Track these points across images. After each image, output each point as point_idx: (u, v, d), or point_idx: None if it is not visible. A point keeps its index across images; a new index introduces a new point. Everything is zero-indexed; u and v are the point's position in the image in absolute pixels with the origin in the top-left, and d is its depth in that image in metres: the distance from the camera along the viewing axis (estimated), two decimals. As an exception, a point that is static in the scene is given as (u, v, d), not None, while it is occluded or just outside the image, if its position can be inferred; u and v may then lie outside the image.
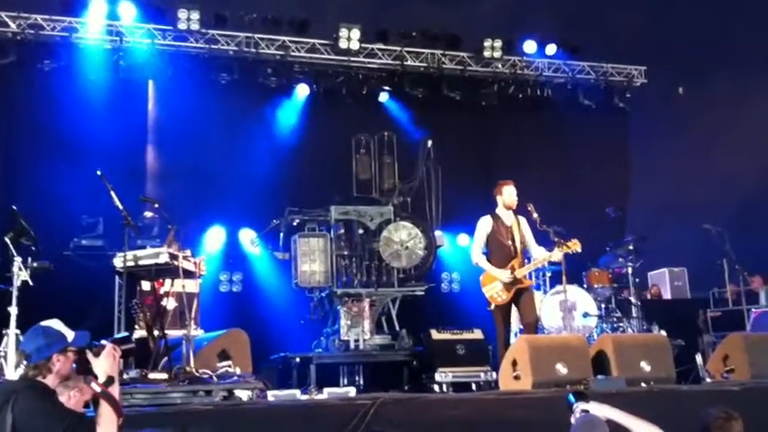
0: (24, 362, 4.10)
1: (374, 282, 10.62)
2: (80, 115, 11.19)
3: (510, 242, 8.35)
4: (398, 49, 13.39)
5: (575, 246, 8.23)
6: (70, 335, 4.18)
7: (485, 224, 8.47)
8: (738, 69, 13.27)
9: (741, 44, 13.35)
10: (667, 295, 12.99)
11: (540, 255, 8.37)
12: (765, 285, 11.48)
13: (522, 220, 8.52)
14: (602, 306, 10.60)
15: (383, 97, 13.45)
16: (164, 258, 7.00)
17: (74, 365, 4.16)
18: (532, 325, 8.24)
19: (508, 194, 8.47)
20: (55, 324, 4.21)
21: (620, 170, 14.40)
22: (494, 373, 9.06)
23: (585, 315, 10.18)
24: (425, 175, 11.36)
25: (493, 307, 8.28)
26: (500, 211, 8.51)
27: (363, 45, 13.07)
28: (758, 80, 13.15)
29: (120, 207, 7.08)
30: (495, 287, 8.23)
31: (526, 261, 8.52)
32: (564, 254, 8.21)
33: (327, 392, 6.82)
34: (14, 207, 8.17)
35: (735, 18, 13.26)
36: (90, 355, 4.10)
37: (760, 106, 13.20)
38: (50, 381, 4.07)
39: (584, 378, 7.00)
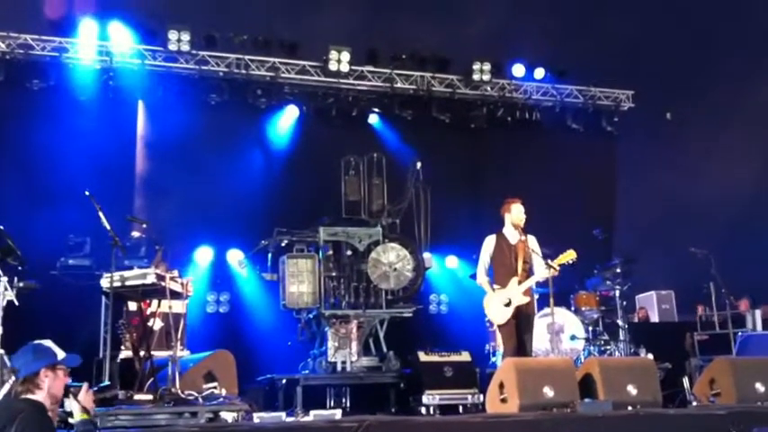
0: (12, 377, 4.12)
1: (362, 303, 10.58)
2: (69, 135, 11.18)
3: (513, 261, 8.37)
4: (388, 71, 13.46)
5: (569, 256, 8.26)
6: (61, 354, 4.22)
7: (488, 244, 8.55)
8: (725, 94, 13.39)
9: (727, 69, 13.49)
10: (655, 318, 13.03)
11: (540, 272, 8.37)
12: (751, 309, 11.52)
13: (531, 238, 8.53)
14: (590, 329, 10.61)
15: (373, 119, 13.53)
16: (151, 279, 7.01)
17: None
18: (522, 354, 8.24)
19: (516, 212, 8.51)
20: (46, 342, 4.25)
21: (607, 193, 14.47)
22: (481, 396, 9.05)
23: (573, 338, 10.19)
24: (414, 196, 11.35)
25: (494, 327, 8.32)
26: (507, 229, 8.55)
27: (353, 67, 13.14)
28: (745, 104, 13.27)
29: (108, 227, 7.08)
30: (494, 308, 8.30)
31: None
32: (561, 265, 8.24)
33: (314, 415, 6.79)
34: (1, 227, 8.13)
35: (721, 44, 13.39)
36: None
37: (747, 128, 13.32)
38: (43, 399, 4.07)
39: (570, 401, 6.99)
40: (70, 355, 4.34)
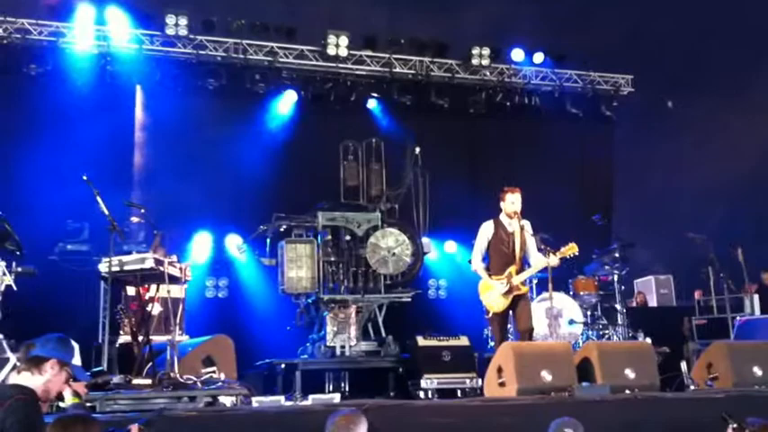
0: (23, 354, 4.15)
1: (361, 288, 10.59)
2: (66, 120, 11.16)
3: (510, 249, 8.31)
4: (387, 55, 13.40)
5: (572, 249, 8.24)
6: (76, 360, 4.30)
7: (486, 230, 8.45)
8: (725, 78, 13.38)
9: (727, 55, 13.46)
10: (653, 303, 13.06)
11: (538, 261, 8.35)
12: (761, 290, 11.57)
13: (527, 224, 8.46)
14: (588, 313, 10.64)
15: (371, 104, 13.46)
16: (149, 264, 7.01)
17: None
18: (527, 333, 8.18)
19: (510, 202, 8.37)
20: (71, 342, 4.34)
21: (606, 178, 14.47)
22: (479, 380, 9.06)
23: (571, 322, 10.20)
24: (413, 181, 11.34)
25: (491, 314, 8.31)
26: (503, 216, 8.47)
27: (351, 52, 13.09)
28: (744, 91, 13.24)
29: (106, 212, 7.08)
30: (492, 295, 8.25)
31: (526, 267, 8.49)
32: (561, 258, 8.23)
33: (312, 399, 6.80)
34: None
35: (722, 32, 13.34)
36: None
37: (746, 116, 13.30)
38: (38, 387, 4.08)
39: (568, 385, 7.01)
40: (82, 368, 4.42)
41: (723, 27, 13.33)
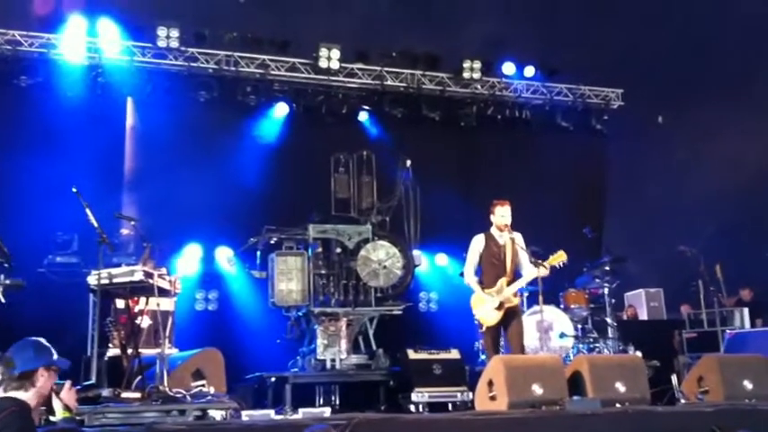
0: (7, 372, 4.08)
1: (351, 301, 10.56)
2: (57, 132, 11.11)
3: (501, 261, 8.38)
4: (378, 68, 13.44)
5: (560, 257, 8.27)
6: (55, 354, 4.23)
7: (477, 244, 8.55)
8: (716, 94, 13.44)
9: (718, 71, 13.53)
10: (644, 316, 13.08)
11: (529, 272, 8.37)
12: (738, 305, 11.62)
13: (518, 237, 8.54)
14: (579, 326, 10.62)
15: (362, 116, 13.50)
16: (138, 276, 6.97)
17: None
18: (518, 353, 8.23)
19: (499, 216, 8.48)
20: (43, 341, 4.26)
21: (596, 191, 14.51)
22: (470, 394, 9.04)
23: (562, 335, 10.19)
24: (404, 194, 11.36)
25: (484, 328, 8.32)
26: (494, 230, 8.54)
27: (343, 65, 13.13)
28: (736, 104, 13.31)
29: (96, 224, 7.05)
30: (485, 309, 8.28)
31: (518, 279, 8.52)
32: (551, 266, 8.26)
33: (302, 412, 6.78)
34: (-13, 223, 8.08)
35: (712, 47, 13.42)
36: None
37: (737, 131, 13.36)
38: (30, 398, 4.04)
39: (559, 399, 7.01)
40: (63, 359, 4.34)
41: (713, 42, 13.40)
